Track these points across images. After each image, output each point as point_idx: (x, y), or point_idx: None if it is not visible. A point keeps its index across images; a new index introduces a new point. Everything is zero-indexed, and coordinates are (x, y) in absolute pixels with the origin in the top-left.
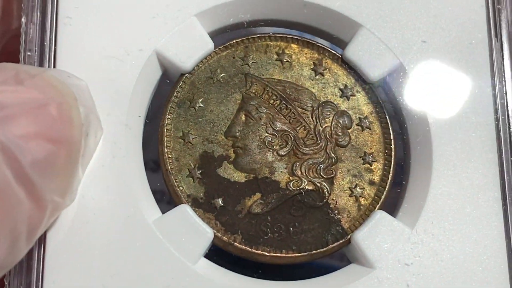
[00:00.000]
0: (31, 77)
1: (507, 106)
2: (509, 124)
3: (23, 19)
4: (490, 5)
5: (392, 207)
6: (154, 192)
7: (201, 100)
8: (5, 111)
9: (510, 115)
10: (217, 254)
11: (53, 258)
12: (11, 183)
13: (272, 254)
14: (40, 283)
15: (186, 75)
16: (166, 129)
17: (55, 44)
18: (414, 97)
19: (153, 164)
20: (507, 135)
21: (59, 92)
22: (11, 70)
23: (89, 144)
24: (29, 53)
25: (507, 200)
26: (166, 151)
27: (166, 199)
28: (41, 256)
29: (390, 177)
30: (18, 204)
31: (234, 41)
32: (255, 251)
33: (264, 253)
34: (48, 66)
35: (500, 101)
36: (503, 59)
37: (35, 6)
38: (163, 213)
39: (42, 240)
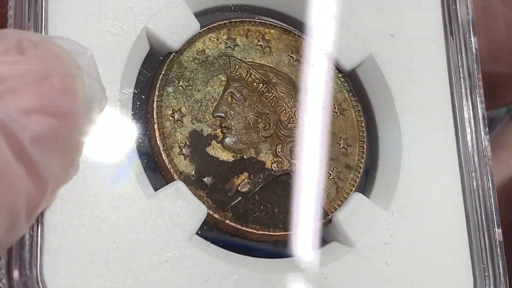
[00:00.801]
0: (34, 45)
1: (462, 99)
2: (464, 114)
3: None
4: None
5: (368, 189)
6: (145, 169)
7: (188, 79)
8: (4, 85)
9: (464, 106)
10: (210, 231)
11: (53, 235)
12: (9, 161)
13: (260, 232)
14: (41, 258)
15: (174, 54)
16: (156, 106)
17: (47, 17)
18: (382, 86)
19: (143, 141)
20: (463, 121)
21: (63, 62)
22: (13, 38)
23: (92, 116)
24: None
25: (465, 183)
26: (157, 128)
27: (156, 175)
28: (39, 234)
29: (363, 161)
30: (17, 182)
31: (217, 23)
32: (245, 228)
33: (253, 230)
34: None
35: (458, 95)
36: (457, 57)
37: None
38: (155, 190)
39: (40, 218)
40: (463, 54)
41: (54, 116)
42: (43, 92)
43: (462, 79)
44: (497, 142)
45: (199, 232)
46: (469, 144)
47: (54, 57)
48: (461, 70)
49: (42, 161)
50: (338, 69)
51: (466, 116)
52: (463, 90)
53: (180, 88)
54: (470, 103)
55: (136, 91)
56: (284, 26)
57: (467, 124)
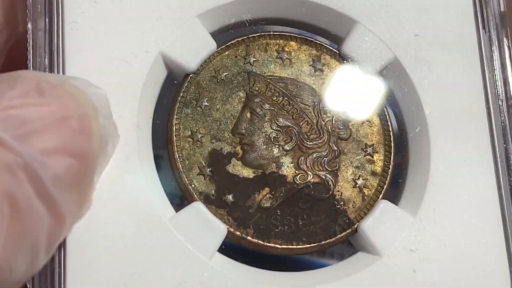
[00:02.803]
0: (53, 87)
1: (497, 95)
2: (500, 111)
3: (29, 26)
4: None
5: (395, 196)
6: (166, 191)
7: (206, 99)
8: (28, 126)
9: (500, 103)
10: (231, 248)
11: (74, 260)
12: (33, 200)
13: (283, 246)
14: (63, 285)
15: (191, 75)
16: (175, 129)
17: (63, 50)
18: (409, 89)
19: (163, 163)
20: (499, 123)
21: (80, 104)
22: (32, 80)
23: (107, 153)
24: (38, 59)
25: (501, 184)
26: (176, 150)
27: (177, 197)
28: (62, 259)
29: (391, 167)
30: (39, 220)
31: (235, 40)
32: (267, 244)
33: (276, 245)
34: (57, 72)
35: (491, 90)
36: (492, 50)
37: (41, 12)
38: (176, 211)
39: (62, 244)
40: (495, 48)
41: (72, 156)
42: (63, 133)
43: (496, 75)
44: None
45: (221, 249)
46: (504, 142)
47: (71, 98)
48: (494, 64)
49: (61, 198)
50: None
51: (501, 117)
52: (498, 85)
53: (198, 109)
54: (505, 102)
55: (155, 115)
56: (304, 36)
57: (504, 122)
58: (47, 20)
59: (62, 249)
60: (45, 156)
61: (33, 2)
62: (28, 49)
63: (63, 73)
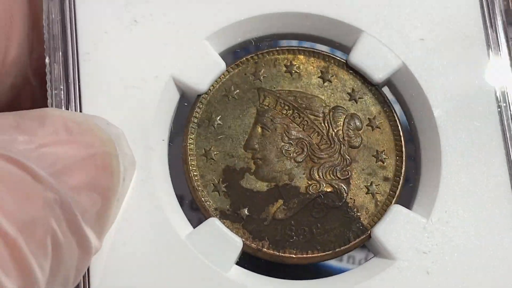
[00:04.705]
0: (78, 125)
1: (507, 94)
2: (510, 111)
3: (47, 60)
4: None
5: (407, 200)
6: (183, 208)
7: (218, 117)
8: (60, 164)
9: (510, 102)
10: (248, 260)
11: (97, 281)
12: (67, 235)
13: (298, 255)
14: None
15: (203, 95)
16: (189, 149)
17: (79, 80)
18: (418, 93)
19: (180, 182)
20: (510, 121)
21: (102, 142)
22: (59, 118)
23: (125, 187)
24: (55, 91)
25: None
26: (191, 169)
27: (194, 214)
28: (86, 281)
29: (402, 172)
30: (72, 253)
31: (244, 58)
32: (282, 254)
33: (291, 255)
34: (74, 101)
35: (501, 90)
36: (499, 49)
37: (57, 47)
38: (194, 227)
39: None
40: (503, 46)
41: (96, 192)
42: (89, 170)
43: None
44: None
45: (238, 262)
46: None
47: (95, 136)
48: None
49: (89, 232)
50: (371, 81)
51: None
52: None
53: (211, 127)
54: None
55: (170, 136)
56: (312, 48)
57: None
58: (62, 53)
59: (86, 272)
60: (76, 193)
61: (49, 35)
62: (47, 82)
63: (80, 103)
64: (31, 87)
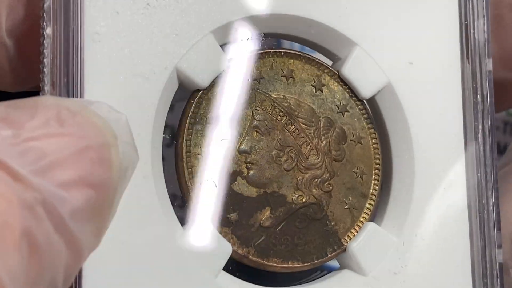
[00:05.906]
0: (72, 115)
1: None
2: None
3: (48, 31)
4: (462, 23)
5: (381, 218)
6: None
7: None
8: (47, 159)
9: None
10: (236, 266)
11: (90, 281)
12: (51, 236)
13: (280, 265)
14: None
15: (203, 91)
16: (186, 145)
17: (82, 61)
18: (399, 113)
19: (172, 180)
20: (473, 150)
21: (100, 132)
22: (52, 107)
23: (126, 178)
24: (52, 67)
25: (472, 208)
26: (186, 167)
27: (185, 214)
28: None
29: (377, 189)
30: (57, 255)
31: (244, 58)
32: (266, 263)
33: (274, 264)
34: (76, 83)
35: (474, 123)
36: (475, 80)
37: (59, 17)
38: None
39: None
40: (478, 78)
41: (91, 187)
42: (82, 165)
43: (476, 106)
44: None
45: (226, 267)
46: (480, 174)
47: (91, 127)
48: (475, 95)
49: (79, 231)
50: (357, 96)
51: (476, 147)
52: (478, 116)
53: (208, 125)
54: (482, 131)
55: (166, 131)
56: (308, 54)
57: (478, 153)
58: (63, 26)
59: (77, 276)
60: (64, 190)
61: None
62: (42, 58)
63: (81, 87)
64: (5, 47)
